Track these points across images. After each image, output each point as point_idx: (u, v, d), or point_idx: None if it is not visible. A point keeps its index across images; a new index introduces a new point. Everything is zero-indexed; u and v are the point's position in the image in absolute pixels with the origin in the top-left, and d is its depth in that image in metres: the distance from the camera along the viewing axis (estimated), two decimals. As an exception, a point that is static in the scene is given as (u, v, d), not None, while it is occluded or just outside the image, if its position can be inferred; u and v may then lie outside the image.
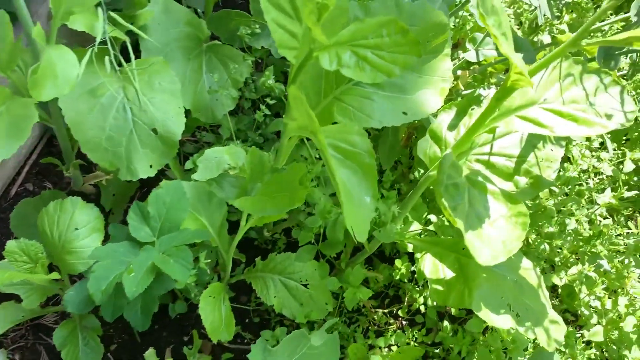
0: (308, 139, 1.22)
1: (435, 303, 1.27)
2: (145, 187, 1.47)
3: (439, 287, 0.98)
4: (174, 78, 1.08)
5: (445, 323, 1.24)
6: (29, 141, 1.44)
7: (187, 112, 1.16)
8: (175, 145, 1.08)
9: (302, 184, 0.98)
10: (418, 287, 1.32)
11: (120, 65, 1.06)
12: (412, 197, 1.04)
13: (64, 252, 1.08)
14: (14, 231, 1.25)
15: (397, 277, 1.26)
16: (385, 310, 1.35)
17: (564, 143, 0.90)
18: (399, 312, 1.33)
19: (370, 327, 1.33)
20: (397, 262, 1.25)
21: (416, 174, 1.34)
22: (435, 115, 1.02)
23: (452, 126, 0.91)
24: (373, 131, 1.41)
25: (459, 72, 1.15)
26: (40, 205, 1.16)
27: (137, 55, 1.12)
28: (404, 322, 1.36)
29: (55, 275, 1.06)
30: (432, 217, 1.25)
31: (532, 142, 0.89)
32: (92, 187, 1.40)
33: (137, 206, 1.07)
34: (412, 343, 1.25)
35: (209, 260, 1.10)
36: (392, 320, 1.34)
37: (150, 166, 1.07)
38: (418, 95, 0.96)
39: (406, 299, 1.34)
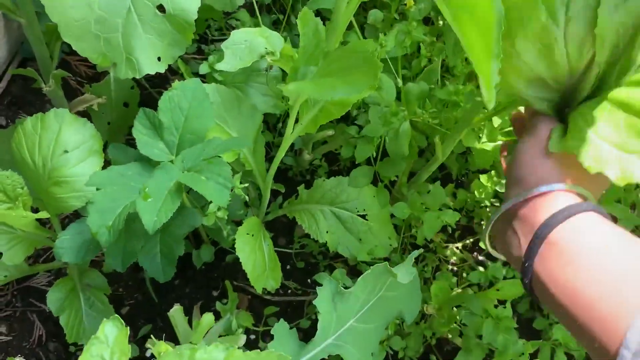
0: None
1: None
2: (148, 114, 1.19)
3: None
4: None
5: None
6: (-4, 64, 1.14)
7: None
8: (190, 28, 0.79)
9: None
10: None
11: None
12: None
13: (52, 184, 0.81)
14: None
15: (482, 195, 0.99)
16: (458, 245, 1.10)
17: None
18: (481, 244, 1.08)
19: (441, 266, 1.08)
20: (483, 178, 0.98)
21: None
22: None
23: None
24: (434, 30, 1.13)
25: None
26: (15, 134, 0.88)
27: None
28: (480, 257, 1.11)
29: (42, 214, 0.78)
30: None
31: None
32: (81, 116, 1.11)
33: (144, 115, 0.79)
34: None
35: (247, 185, 0.83)
36: (468, 256, 1.08)
37: (159, 59, 0.79)
38: None
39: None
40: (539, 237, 0.50)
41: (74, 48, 0.76)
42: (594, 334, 0.44)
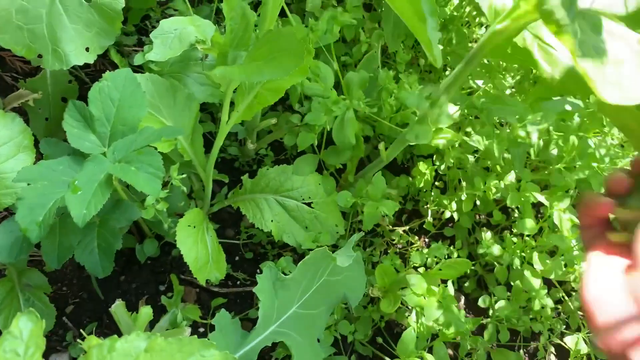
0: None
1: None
2: (88, 110, 1.16)
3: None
4: None
5: (488, 233, 1.00)
6: None
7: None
8: (118, 17, 0.78)
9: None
10: (445, 193, 1.08)
11: None
12: (462, 72, 0.77)
13: (-20, 182, 0.78)
14: None
15: (421, 185, 1.01)
16: (405, 228, 1.11)
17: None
18: (425, 227, 1.09)
19: (389, 249, 1.09)
20: (422, 166, 0.99)
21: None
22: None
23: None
24: (375, 16, 1.14)
25: None
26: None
27: None
28: (427, 240, 1.12)
29: (-30, 213, 0.76)
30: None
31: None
32: (17, 113, 1.08)
33: (74, 107, 0.77)
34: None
35: (184, 175, 0.82)
36: (415, 239, 1.10)
37: (87, 49, 0.77)
38: None
39: (429, 211, 1.10)
40: None
41: (-5, 40, 0.74)
42: None
